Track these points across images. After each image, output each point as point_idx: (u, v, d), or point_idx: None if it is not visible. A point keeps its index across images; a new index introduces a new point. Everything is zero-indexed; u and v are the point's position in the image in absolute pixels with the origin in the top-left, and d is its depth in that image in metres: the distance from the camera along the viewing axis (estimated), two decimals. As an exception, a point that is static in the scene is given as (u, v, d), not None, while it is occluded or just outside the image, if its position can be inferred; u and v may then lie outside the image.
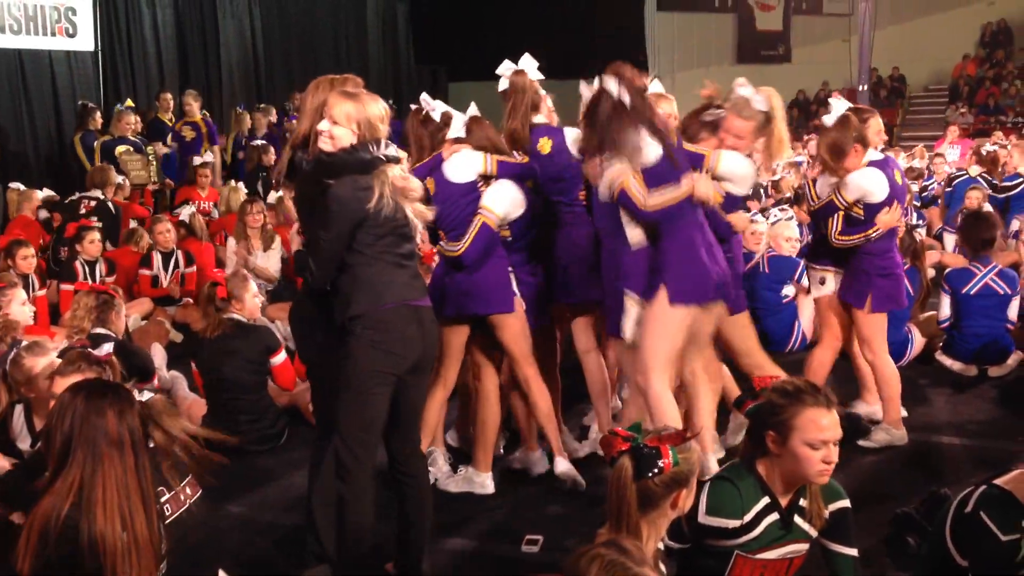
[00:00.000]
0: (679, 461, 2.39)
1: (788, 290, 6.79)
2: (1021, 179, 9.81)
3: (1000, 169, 10.45)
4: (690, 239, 3.78)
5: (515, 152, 4.38)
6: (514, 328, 4.26)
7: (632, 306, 3.87)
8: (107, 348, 3.50)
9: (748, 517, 2.77)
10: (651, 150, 3.72)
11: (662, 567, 2.51)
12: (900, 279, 4.86)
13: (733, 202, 4.24)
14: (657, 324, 3.78)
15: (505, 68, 4.47)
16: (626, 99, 3.67)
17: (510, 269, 4.28)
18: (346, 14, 18.17)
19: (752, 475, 2.81)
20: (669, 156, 3.75)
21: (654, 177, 3.73)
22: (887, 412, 4.90)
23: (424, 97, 4.49)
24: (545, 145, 4.40)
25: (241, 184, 10.06)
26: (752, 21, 23.88)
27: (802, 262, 6.65)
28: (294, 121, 13.48)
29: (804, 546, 2.89)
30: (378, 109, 3.26)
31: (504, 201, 4.16)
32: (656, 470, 2.36)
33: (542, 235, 4.46)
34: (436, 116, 4.33)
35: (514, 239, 4.33)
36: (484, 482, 4.36)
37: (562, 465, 4.39)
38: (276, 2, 16.26)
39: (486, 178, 4.21)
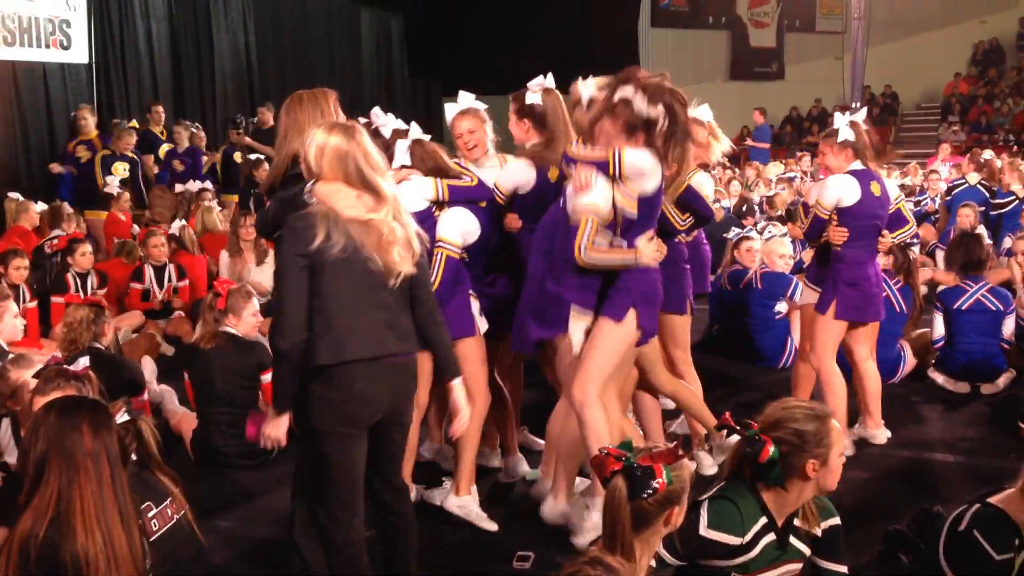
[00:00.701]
0: (672, 479, 2.37)
1: (781, 306, 6.80)
2: (1014, 197, 9.85)
3: (998, 178, 10.51)
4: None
5: (464, 171, 4.25)
6: (470, 352, 4.13)
7: (580, 320, 3.82)
8: (83, 363, 3.48)
9: (748, 537, 2.76)
10: (653, 181, 3.65)
11: None
12: (871, 295, 4.82)
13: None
14: (609, 343, 3.76)
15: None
16: (653, 115, 3.57)
17: (470, 291, 4.18)
18: (340, 27, 18.24)
19: (752, 495, 2.79)
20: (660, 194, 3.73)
21: (640, 215, 3.64)
22: None
23: (375, 111, 4.36)
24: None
25: (215, 204, 10.03)
26: (746, 38, 24.04)
27: (795, 279, 6.67)
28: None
29: (798, 566, 2.88)
30: (318, 139, 3.02)
31: (459, 228, 4.07)
32: (651, 490, 2.33)
33: (502, 247, 4.38)
34: (386, 132, 4.20)
35: (471, 257, 4.21)
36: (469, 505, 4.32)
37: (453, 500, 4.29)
38: (270, 15, 16.30)
39: (438, 203, 4.09)
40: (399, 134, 4.20)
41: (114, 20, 12.99)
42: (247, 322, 5.24)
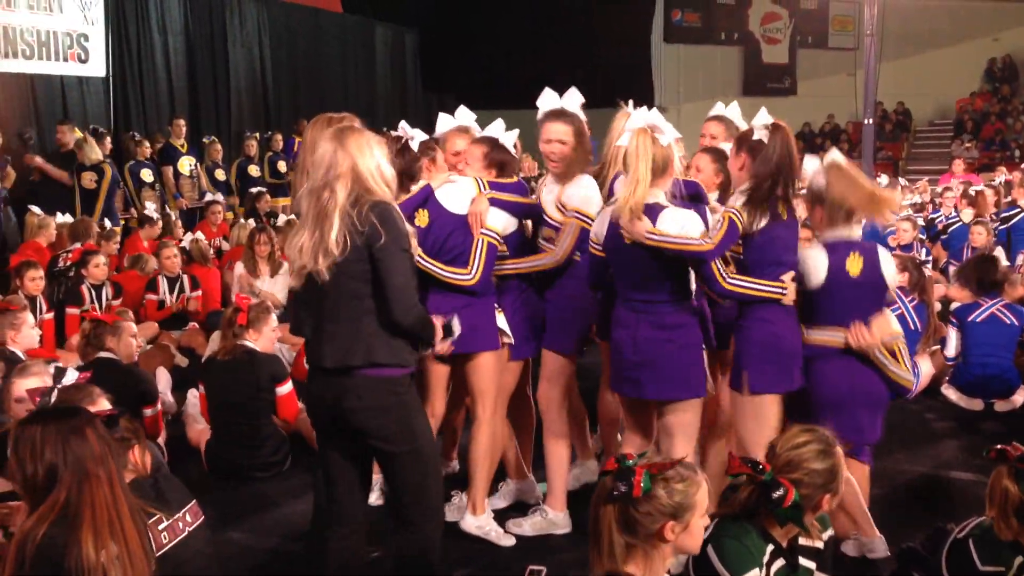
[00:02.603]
0: (650, 487, 2.34)
1: None
2: (1019, 209, 9.87)
3: (997, 201, 10.51)
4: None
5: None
6: (489, 367, 4.09)
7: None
8: (72, 377, 3.48)
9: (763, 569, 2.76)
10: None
11: None
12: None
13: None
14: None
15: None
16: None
17: (496, 305, 4.13)
18: (354, 41, 18.34)
19: (754, 527, 2.79)
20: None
21: (759, 249, 3.68)
22: None
23: (403, 125, 4.39)
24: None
25: (252, 221, 10.09)
26: (758, 54, 24.04)
27: None
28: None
29: (810, 584, 2.88)
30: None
31: (500, 217, 4.06)
32: (623, 491, 2.32)
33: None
34: (415, 146, 4.20)
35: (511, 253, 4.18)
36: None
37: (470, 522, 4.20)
38: (285, 30, 16.42)
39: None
40: (427, 147, 4.20)
41: (131, 34, 13.10)
42: (267, 337, 5.29)
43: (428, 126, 4.79)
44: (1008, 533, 2.91)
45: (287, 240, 3.12)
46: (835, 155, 3.86)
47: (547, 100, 4.20)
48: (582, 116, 4.19)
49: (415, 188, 4.11)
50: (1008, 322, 6.09)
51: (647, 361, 3.64)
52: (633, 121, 3.64)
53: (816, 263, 3.74)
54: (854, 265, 3.73)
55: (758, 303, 3.68)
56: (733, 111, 4.68)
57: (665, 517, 2.35)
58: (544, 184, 4.35)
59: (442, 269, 3.97)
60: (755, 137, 3.77)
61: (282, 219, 9.44)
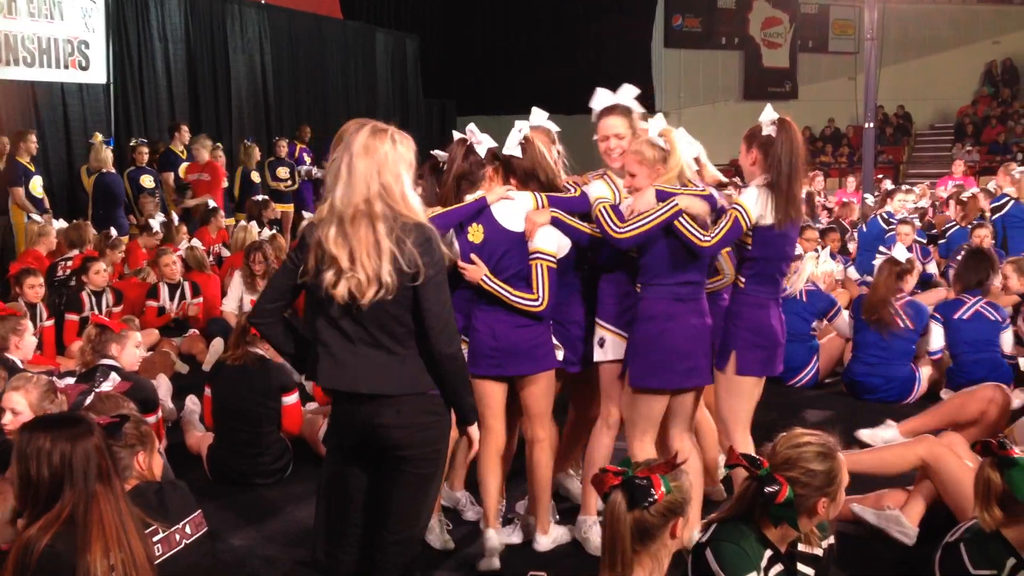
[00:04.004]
0: (671, 489, 2.39)
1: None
2: (1007, 198, 10.07)
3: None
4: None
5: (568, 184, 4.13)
6: (549, 386, 4.02)
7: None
8: (66, 381, 3.48)
9: (761, 574, 2.76)
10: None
11: None
12: None
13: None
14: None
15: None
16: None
17: (550, 322, 3.99)
18: (355, 48, 18.37)
19: (752, 532, 2.79)
20: None
21: (770, 244, 3.88)
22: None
23: (471, 127, 4.09)
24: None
25: (253, 224, 10.10)
26: (759, 58, 24.07)
27: (839, 303, 6.84)
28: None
29: (807, 591, 2.88)
30: None
31: (554, 236, 3.91)
32: (650, 499, 2.35)
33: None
34: (481, 152, 3.99)
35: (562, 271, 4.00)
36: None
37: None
38: (286, 37, 16.44)
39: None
40: (494, 155, 4.00)
41: (132, 41, 13.12)
42: None
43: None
44: (991, 523, 2.96)
45: (328, 240, 2.86)
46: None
47: (600, 99, 4.09)
48: (638, 109, 4.07)
49: (470, 197, 3.93)
50: (993, 318, 6.16)
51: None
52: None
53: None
54: None
55: (748, 293, 3.87)
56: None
57: (675, 516, 2.40)
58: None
59: (511, 293, 3.84)
60: (764, 133, 3.86)
61: (266, 233, 9.43)
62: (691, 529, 2.50)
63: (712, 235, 3.70)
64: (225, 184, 11.95)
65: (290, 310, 3.19)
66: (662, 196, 3.73)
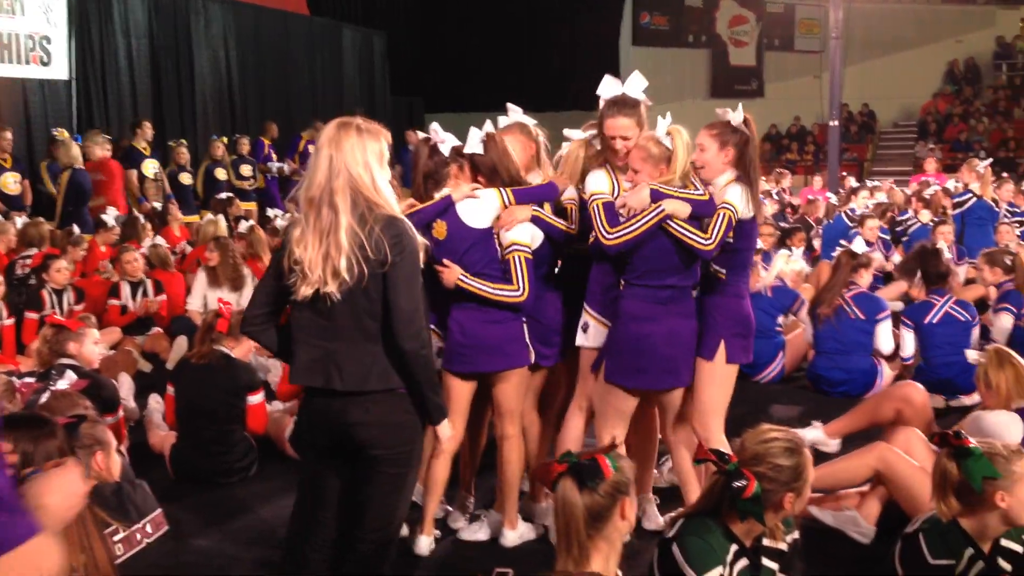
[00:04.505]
0: (617, 467, 2.42)
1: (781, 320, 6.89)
2: (970, 194, 10.23)
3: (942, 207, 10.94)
4: None
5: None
6: (521, 383, 4.03)
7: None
8: (25, 381, 3.43)
9: (727, 568, 2.77)
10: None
11: None
12: None
13: None
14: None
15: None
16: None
17: (523, 318, 3.99)
18: (322, 45, 18.26)
19: (718, 527, 2.81)
20: None
21: (748, 236, 3.99)
22: None
23: (434, 127, 4.11)
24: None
25: (221, 218, 9.99)
26: (726, 56, 24.25)
27: (803, 297, 6.87)
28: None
29: (772, 586, 2.90)
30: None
31: (527, 227, 3.95)
32: (599, 478, 2.38)
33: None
34: (445, 150, 4.00)
35: (537, 264, 4.03)
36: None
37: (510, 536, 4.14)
38: (252, 33, 16.31)
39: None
40: (458, 153, 4.01)
41: (94, 37, 12.96)
42: (245, 346, 5.25)
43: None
44: (949, 513, 3.00)
45: (292, 241, 2.91)
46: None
47: (608, 87, 4.04)
48: (645, 101, 4.03)
49: (437, 195, 3.95)
50: (963, 319, 6.17)
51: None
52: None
53: None
54: None
55: (729, 284, 3.95)
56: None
57: (623, 495, 2.43)
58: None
59: (491, 288, 3.85)
60: (739, 132, 3.93)
61: (243, 226, 9.34)
62: (634, 509, 2.51)
63: (711, 238, 3.74)
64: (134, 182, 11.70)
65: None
66: (656, 196, 3.74)
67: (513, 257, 3.89)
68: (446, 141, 4.02)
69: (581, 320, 4.06)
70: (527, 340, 3.99)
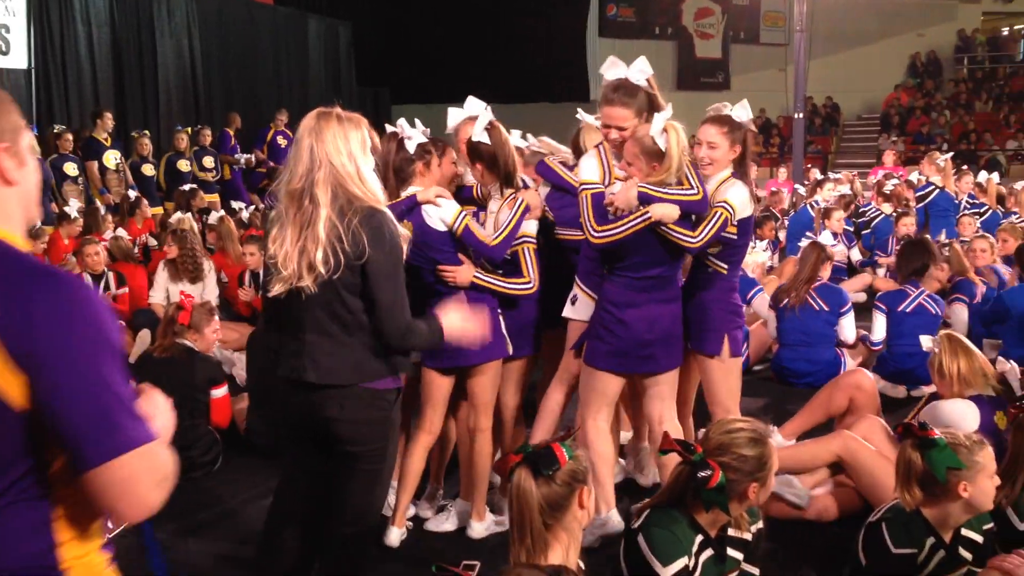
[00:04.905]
0: (573, 456, 2.42)
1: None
2: (933, 186, 10.36)
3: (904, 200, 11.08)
4: None
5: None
6: (496, 376, 4.02)
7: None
8: None
9: (692, 559, 2.79)
10: None
11: None
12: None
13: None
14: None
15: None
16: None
17: (499, 310, 3.98)
18: (287, 35, 18.12)
19: (684, 517, 2.83)
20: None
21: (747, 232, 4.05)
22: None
23: (401, 122, 4.06)
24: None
25: (189, 216, 9.87)
26: (692, 49, 24.35)
27: (760, 285, 6.88)
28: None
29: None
30: None
31: (533, 222, 4.00)
32: (554, 467, 2.38)
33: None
34: (411, 147, 3.94)
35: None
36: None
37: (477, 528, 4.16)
38: (216, 21, 16.14)
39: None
40: (424, 150, 3.96)
41: (54, 25, 12.76)
42: (207, 339, 5.20)
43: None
44: (912, 502, 3.04)
45: (269, 238, 2.93)
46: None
47: (611, 69, 3.95)
48: (647, 86, 3.92)
49: (404, 194, 3.89)
50: (933, 312, 6.25)
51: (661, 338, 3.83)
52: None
53: None
54: None
55: (727, 278, 4.03)
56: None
57: (580, 484, 2.43)
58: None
59: (503, 282, 3.89)
60: (747, 130, 4.01)
61: (213, 216, 9.26)
62: (592, 499, 2.53)
63: (699, 236, 3.72)
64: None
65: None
66: (644, 198, 3.67)
67: (522, 249, 3.93)
68: (413, 138, 3.98)
69: (571, 292, 4.11)
70: (504, 332, 3.99)
